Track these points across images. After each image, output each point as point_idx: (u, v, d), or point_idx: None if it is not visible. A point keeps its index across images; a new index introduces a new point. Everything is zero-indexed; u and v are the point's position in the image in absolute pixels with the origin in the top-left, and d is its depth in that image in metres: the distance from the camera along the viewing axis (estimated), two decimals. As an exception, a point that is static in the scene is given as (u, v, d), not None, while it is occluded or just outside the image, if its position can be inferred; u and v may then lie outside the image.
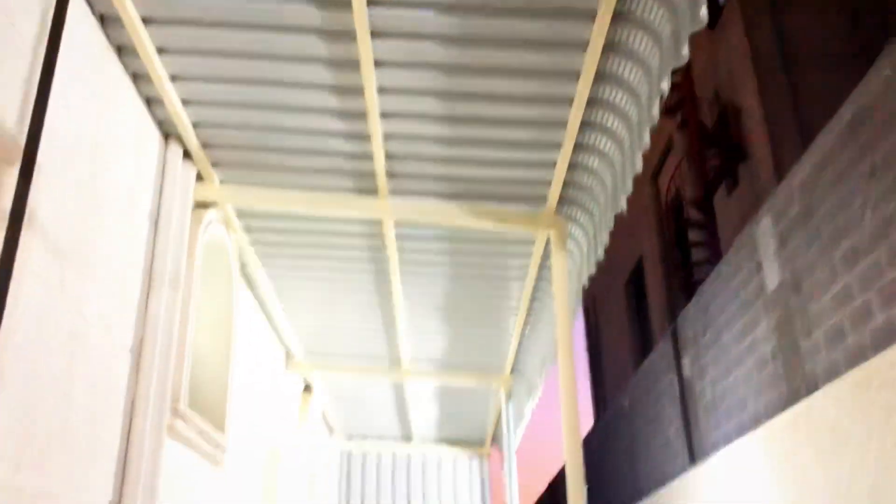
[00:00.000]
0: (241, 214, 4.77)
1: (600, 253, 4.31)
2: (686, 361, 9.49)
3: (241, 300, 5.48)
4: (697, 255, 13.42)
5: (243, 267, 5.41)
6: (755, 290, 7.41)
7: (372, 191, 4.39)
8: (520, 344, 6.66)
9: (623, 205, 3.78)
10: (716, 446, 8.54)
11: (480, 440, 10.23)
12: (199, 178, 4.31)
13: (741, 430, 7.70)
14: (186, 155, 4.09)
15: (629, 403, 12.31)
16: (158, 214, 3.85)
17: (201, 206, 4.40)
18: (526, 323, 6.23)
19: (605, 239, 4.16)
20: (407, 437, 10.12)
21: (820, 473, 5.75)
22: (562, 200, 4.42)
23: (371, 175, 4.24)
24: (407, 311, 6.02)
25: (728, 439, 8.07)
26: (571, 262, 4.90)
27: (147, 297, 3.68)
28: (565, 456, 3.89)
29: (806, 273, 6.36)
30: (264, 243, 5.09)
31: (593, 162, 3.99)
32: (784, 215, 6.78)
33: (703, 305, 8.82)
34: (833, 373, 5.89)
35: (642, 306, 17.03)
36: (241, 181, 4.40)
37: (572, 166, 4.09)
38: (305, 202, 4.36)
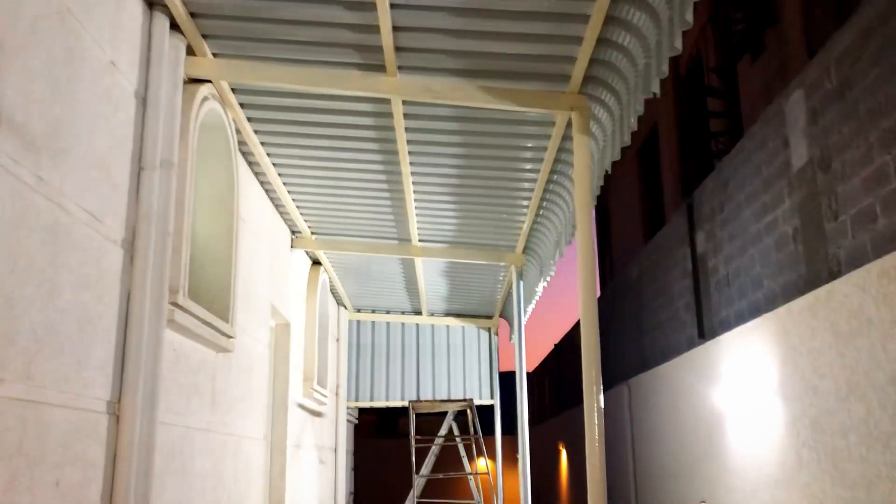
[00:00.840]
0: (238, 90, 4.44)
1: (627, 138, 3.99)
2: (700, 236, 9.29)
3: (243, 180, 5.22)
4: (716, 125, 12.92)
5: (242, 146, 5.11)
6: (780, 166, 7.09)
7: (378, 66, 4.03)
8: (533, 224, 6.43)
9: (656, 88, 3.43)
10: (727, 323, 8.47)
11: (488, 314, 10.21)
12: (190, 51, 3.94)
13: (755, 310, 7.59)
14: (174, 27, 3.71)
15: (638, 274, 12.24)
16: (146, 92, 3.53)
17: (194, 82, 4.06)
18: (540, 205, 5.97)
19: (632, 123, 3.82)
20: (416, 311, 10.10)
21: (836, 358, 5.64)
22: (586, 80, 4.05)
23: (377, 49, 3.87)
24: (416, 191, 5.76)
25: (741, 317, 7.98)
26: (594, 144, 4.58)
27: (138, 184, 3.43)
28: (582, 331, 3.73)
29: (837, 151, 6.01)
30: (264, 120, 4.78)
31: (624, 38, 3.60)
32: (817, 88, 6.35)
33: (722, 180, 8.52)
34: (859, 258, 5.67)
35: (654, 176, 16.69)
36: (236, 54, 4.04)
37: (601, 42, 3.70)
38: (307, 78, 4.01)
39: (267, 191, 5.97)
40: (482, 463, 21.24)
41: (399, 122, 4.55)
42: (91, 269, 2.97)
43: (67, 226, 2.79)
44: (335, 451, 9.52)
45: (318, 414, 8.28)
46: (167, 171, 3.56)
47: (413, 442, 8.26)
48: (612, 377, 13.53)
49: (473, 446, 8.56)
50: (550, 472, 21.36)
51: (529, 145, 4.92)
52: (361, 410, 17.39)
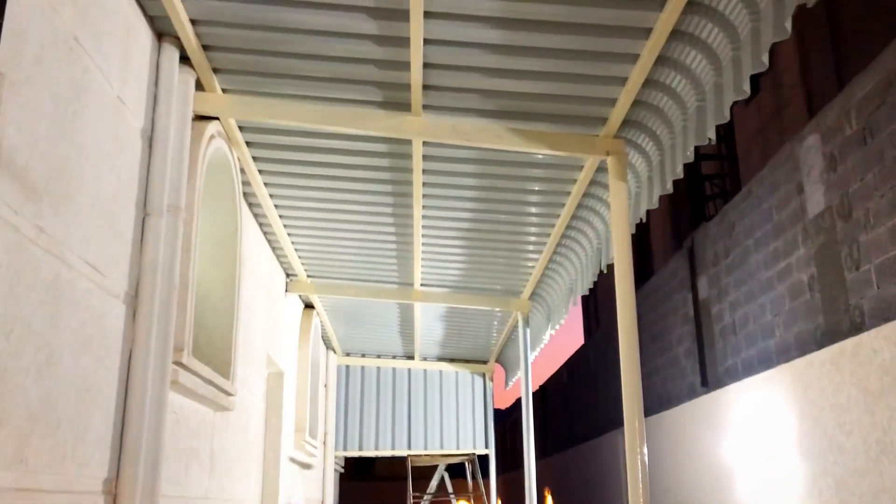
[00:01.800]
0: (246, 128, 4.12)
1: (669, 185, 3.72)
2: (703, 281, 9.07)
3: (245, 224, 4.89)
4: (709, 167, 12.78)
5: (245, 186, 4.79)
6: (794, 213, 6.90)
7: (403, 106, 3.74)
8: (545, 270, 6.14)
9: (712, 133, 3.17)
10: (733, 372, 8.22)
11: (483, 358, 9.88)
12: (199, 86, 3.63)
13: (766, 359, 7.34)
14: (184, 59, 3.40)
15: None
16: (153, 131, 3.21)
17: (200, 119, 3.74)
18: (555, 251, 5.69)
19: (678, 170, 3.56)
20: (408, 356, 9.74)
21: (865, 416, 5.38)
22: (625, 123, 3.80)
23: (404, 87, 3.59)
24: (426, 234, 5.46)
25: (749, 367, 7.73)
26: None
27: (143, 231, 3.09)
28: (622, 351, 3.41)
29: (860, 199, 5.82)
30: (270, 160, 4.46)
31: (674, 79, 3.36)
32: (836, 133, 6.18)
33: (727, 225, 8.33)
34: (885, 310, 5.45)
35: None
36: (247, 90, 3.73)
37: (648, 83, 3.45)
38: (323, 117, 3.72)
39: (265, 233, 5.63)
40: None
41: (417, 164, 4.26)
42: (92, 330, 2.62)
43: (69, 281, 2.45)
44: (322, 503, 9.06)
45: (307, 466, 7.86)
46: (174, 217, 3.22)
47: (411, 499, 7.83)
48: (605, 423, 13.20)
49: (472, 499, 8.15)
50: (533, 518, 20.87)
51: (551, 189, 4.65)
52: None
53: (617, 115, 3.64)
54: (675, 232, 15.11)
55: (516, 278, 6.38)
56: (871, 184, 5.65)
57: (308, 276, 6.62)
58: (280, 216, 5.26)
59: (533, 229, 5.32)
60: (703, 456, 8.43)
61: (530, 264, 6.03)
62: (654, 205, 3.93)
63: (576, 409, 15.87)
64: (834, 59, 10.17)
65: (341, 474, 26.34)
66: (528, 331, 6.67)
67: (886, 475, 5.14)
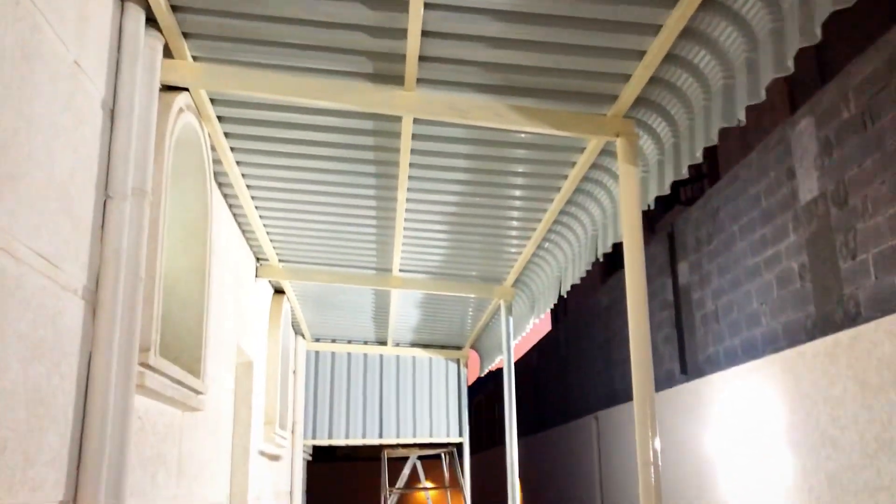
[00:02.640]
0: (218, 101, 3.74)
1: (683, 170, 3.44)
2: (683, 267, 8.88)
3: (216, 206, 4.51)
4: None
5: (215, 165, 4.41)
6: (784, 199, 6.69)
7: (396, 79, 3.39)
8: (532, 257, 5.85)
9: (741, 115, 2.89)
10: (715, 361, 8.05)
11: (458, 344, 9.60)
12: (167, 52, 3.25)
13: (751, 348, 7.17)
14: (151, 22, 3.02)
15: (607, 303, 11.80)
16: (115, 102, 2.83)
17: (168, 90, 3.36)
18: (545, 238, 5.40)
19: (696, 153, 3.28)
20: (381, 341, 9.41)
21: (862, 411, 5.20)
22: (637, 102, 3.50)
23: (398, 58, 3.24)
24: (409, 218, 5.12)
25: (732, 355, 7.55)
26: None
27: (104, 217, 2.71)
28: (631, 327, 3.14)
29: (858, 186, 5.62)
30: (243, 136, 4.09)
31: (698, 55, 3.06)
32: (832, 117, 5.97)
33: (710, 210, 8.12)
34: (883, 301, 5.26)
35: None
36: (220, 58, 3.36)
37: (669, 58, 3.15)
38: (306, 89, 3.35)
39: (235, 215, 5.25)
40: None
41: (406, 143, 3.92)
42: (45, 332, 2.25)
43: (17, 277, 2.08)
44: (290, 495, 8.74)
45: (276, 458, 7.52)
46: (139, 201, 2.85)
47: (386, 492, 7.55)
48: (577, 409, 13.03)
49: (448, 493, 7.89)
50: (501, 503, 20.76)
51: (547, 172, 4.35)
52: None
53: (629, 92, 3.33)
54: (646, 216, 14.97)
55: (500, 265, 6.08)
56: (870, 170, 5.45)
57: (280, 261, 6.25)
58: (252, 197, 4.88)
59: (522, 214, 5.02)
60: (684, 446, 8.27)
61: (515, 251, 5.73)
62: (665, 191, 3.64)
63: (544, 394, 15.71)
64: (815, 45, 10.03)
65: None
66: (511, 319, 6.39)
67: (885, 472, 4.97)
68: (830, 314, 5.90)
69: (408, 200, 4.78)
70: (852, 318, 5.60)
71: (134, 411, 2.92)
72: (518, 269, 5.99)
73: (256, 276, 6.27)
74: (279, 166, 4.42)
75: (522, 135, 3.92)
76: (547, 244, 5.47)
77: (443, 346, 9.65)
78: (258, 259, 6.25)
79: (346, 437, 9.19)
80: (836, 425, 5.51)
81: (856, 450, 5.28)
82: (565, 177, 4.37)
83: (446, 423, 9.44)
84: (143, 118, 2.95)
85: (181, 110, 3.43)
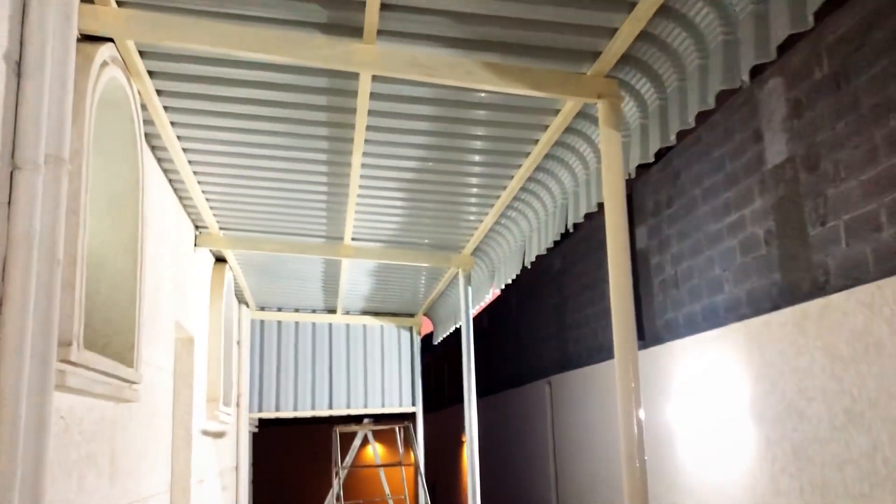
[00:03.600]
0: (148, 54, 3.30)
1: (672, 136, 3.14)
2: (642, 231, 8.68)
3: (148, 172, 4.06)
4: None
5: (147, 126, 3.95)
6: (750, 162, 6.49)
7: (353, 30, 2.99)
8: (494, 226, 5.53)
9: (745, 75, 2.58)
10: (674, 327, 7.91)
11: (411, 311, 9.28)
12: (86, -5, 2.79)
13: (712, 315, 7.02)
14: (64, -44, 2.56)
15: (561, 266, 11.61)
16: (22, 53, 2.38)
17: (89, 40, 2.91)
18: (510, 206, 5.08)
19: (688, 118, 2.97)
20: (329, 309, 9.04)
21: (831, 382, 5.07)
22: (622, 60, 3.16)
23: (355, 5, 2.84)
24: (363, 185, 4.75)
25: (692, 322, 7.41)
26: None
27: (10, 192, 2.29)
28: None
29: (829, 150, 5.43)
30: (177, 94, 3.65)
31: (698, 8, 2.73)
32: (803, 77, 5.74)
33: (670, 173, 7.91)
34: (855, 269, 5.12)
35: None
36: (150, 3, 2.91)
37: (663, 11, 2.82)
38: (251, 42, 2.94)
39: (171, 180, 4.79)
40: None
41: (363, 104, 3.53)
42: (-66, 336, 1.85)
43: None
44: (237, 470, 8.39)
45: (221, 435, 7.15)
46: (55, 171, 2.42)
47: (339, 470, 7.25)
48: (529, 373, 12.90)
49: (402, 469, 7.64)
50: (449, 466, 20.75)
51: (515, 136, 4.01)
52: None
53: (615, 49, 3.00)
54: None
55: (458, 233, 5.75)
56: (842, 133, 5.25)
57: (221, 229, 5.81)
58: (190, 162, 4.43)
59: (485, 181, 4.68)
60: (645, 413, 8.15)
61: (474, 218, 5.40)
62: (649, 159, 3.34)
63: (495, 357, 15.58)
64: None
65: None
66: (470, 289, 6.09)
67: (853, 445, 4.86)
68: (798, 282, 5.75)
69: (363, 165, 4.40)
70: (821, 287, 5.45)
71: (53, 415, 2.53)
72: (478, 237, 5.68)
73: (196, 246, 5.82)
74: (219, 127, 3.99)
75: (491, 95, 3.57)
76: (511, 212, 5.16)
77: (395, 314, 9.33)
78: (197, 227, 5.80)
79: (295, 409, 8.85)
80: (802, 397, 5.38)
81: (823, 422, 5.16)
82: (535, 141, 4.04)
83: (399, 393, 9.17)
84: (58, 73, 2.51)
85: (105, 64, 2.98)
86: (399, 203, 5.09)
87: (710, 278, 7.03)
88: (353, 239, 5.88)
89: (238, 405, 8.46)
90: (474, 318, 17.75)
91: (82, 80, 2.75)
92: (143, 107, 3.67)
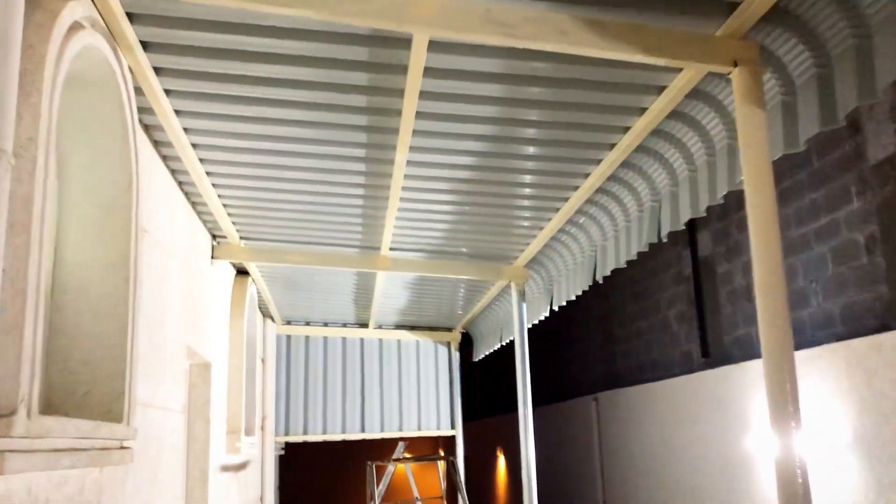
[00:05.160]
0: (139, 18, 2.56)
1: (840, 116, 2.33)
2: (705, 236, 7.85)
3: (145, 168, 3.32)
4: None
5: (145, 114, 3.21)
6: (845, 157, 5.65)
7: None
8: (557, 234, 4.74)
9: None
10: (746, 343, 7.05)
11: (448, 325, 8.50)
12: (44, -74, 2.05)
13: (797, 332, 6.19)
14: None
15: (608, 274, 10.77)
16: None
17: (54, -9, 2.17)
18: (580, 210, 4.29)
19: (876, 88, 2.17)
20: (361, 324, 8.28)
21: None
22: (770, 14, 2.36)
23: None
24: (407, 187, 3.99)
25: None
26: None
27: (-86, 196, 1.55)
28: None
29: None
30: (182, 73, 2.91)
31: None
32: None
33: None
34: None
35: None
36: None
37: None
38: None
39: (180, 182, 4.06)
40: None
41: (414, 82, 2.76)
42: None
43: None
44: (261, 500, 7.66)
45: (242, 467, 6.42)
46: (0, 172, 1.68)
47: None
48: (573, 388, 12.06)
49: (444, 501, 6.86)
50: (481, 480, 19.93)
51: (597, 123, 3.23)
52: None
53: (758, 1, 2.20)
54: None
55: (510, 242, 4.96)
56: (974, 121, 4.40)
57: (241, 239, 5.08)
58: (201, 160, 3.70)
59: (550, 180, 3.89)
60: (710, 439, 7.30)
61: (528, 224, 4.59)
62: (799, 147, 2.54)
63: (534, 370, 14.75)
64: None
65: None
66: (525, 305, 5.29)
67: None
68: (911, 297, 4.89)
69: (409, 163, 3.63)
70: (945, 303, 4.60)
71: (-12, 520, 1.80)
72: (536, 246, 4.88)
73: (213, 258, 5.09)
74: (235, 117, 3.25)
75: (574, 68, 2.78)
76: (581, 218, 4.37)
77: (431, 328, 8.55)
78: (214, 237, 5.07)
79: (324, 432, 8.10)
80: (928, 435, 4.53)
81: (958, 466, 4.31)
82: (625, 130, 3.24)
83: (436, 414, 8.39)
84: (2, 36, 1.77)
85: (78, 27, 2.24)
86: (447, 207, 4.32)
87: (792, 290, 6.17)
88: (391, 249, 5.12)
89: (263, 428, 7.74)
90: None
91: (40, 44, 2.01)
92: (139, 90, 2.93)
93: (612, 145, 3.41)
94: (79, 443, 2.25)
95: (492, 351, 8.09)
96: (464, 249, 5.12)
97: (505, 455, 16.98)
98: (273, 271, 6.02)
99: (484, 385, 19.68)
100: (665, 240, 3.77)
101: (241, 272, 6.09)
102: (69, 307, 2.63)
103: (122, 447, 2.69)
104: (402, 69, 2.77)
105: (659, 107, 2.94)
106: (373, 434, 8.12)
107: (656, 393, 8.61)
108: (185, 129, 3.35)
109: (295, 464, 21.18)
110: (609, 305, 10.52)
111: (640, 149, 3.44)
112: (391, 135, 3.34)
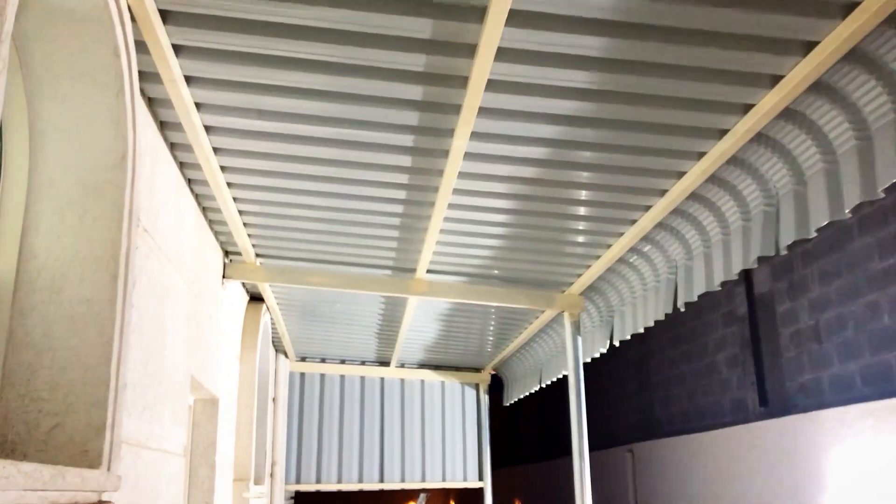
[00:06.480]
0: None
1: None
2: (762, 271, 7.19)
3: (145, 147, 2.70)
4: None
5: (149, 83, 2.61)
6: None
7: None
8: (625, 256, 4.10)
9: None
10: (814, 391, 6.30)
11: (476, 365, 7.80)
12: None
13: (878, 377, 5.47)
14: None
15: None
16: None
17: None
18: (662, 225, 3.66)
19: None
20: (382, 362, 7.60)
21: None
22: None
23: None
24: (455, 204, 3.40)
25: (847, 386, 5.82)
26: None
27: None
28: None
29: None
30: (193, 18, 2.31)
31: None
32: None
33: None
34: None
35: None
36: None
37: None
38: None
39: (190, 181, 3.45)
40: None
41: (478, 82, 2.19)
42: None
43: None
44: (269, 556, 6.89)
45: (250, 519, 5.69)
46: None
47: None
48: (602, 438, 11.26)
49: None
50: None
51: (688, 124, 2.69)
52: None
53: None
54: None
55: (563, 265, 4.32)
56: None
57: (258, 257, 4.45)
58: (216, 150, 3.09)
59: (619, 197, 3.28)
60: (773, 496, 6.52)
61: (583, 249, 3.96)
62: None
63: (557, 417, 13.94)
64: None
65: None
66: (581, 339, 4.61)
67: None
68: None
69: (461, 176, 3.05)
70: None
71: None
72: (597, 270, 4.23)
73: (225, 278, 4.46)
74: (261, 112, 2.67)
75: (675, 48, 2.21)
76: (660, 233, 3.72)
77: (457, 368, 7.85)
78: (227, 253, 4.45)
79: (339, 480, 7.36)
80: None
81: None
82: (721, 133, 2.65)
83: (462, 464, 7.64)
84: None
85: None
86: (496, 228, 3.72)
87: (874, 331, 5.48)
88: (429, 271, 4.48)
89: (272, 476, 7.01)
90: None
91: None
92: (142, 45, 2.33)
93: (700, 154, 2.83)
94: (29, 497, 1.59)
95: (524, 395, 7.38)
96: (511, 275, 4.47)
97: (524, 508, 16.06)
98: (289, 298, 5.37)
99: (500, 433, 18.81)
100: (755, 265, 3.14)
101: (255, 298, 5.46)
102: (37, 312, 2.00)
103: (101, 502, 2.02)
104: (465, 49, 2.18)
105: (768, 103, 2.35)
106: (392, 484, 7.38)
107: (703, 444, 7.84)
108: (198, 106, 2.74)
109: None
110: (648, 349, 9.79)
111: (734, 160, 2.88)
112: (444, 138, 2.78)
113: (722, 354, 7.80)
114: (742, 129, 2.63)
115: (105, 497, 2.08)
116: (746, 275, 7.33)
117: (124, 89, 2.08)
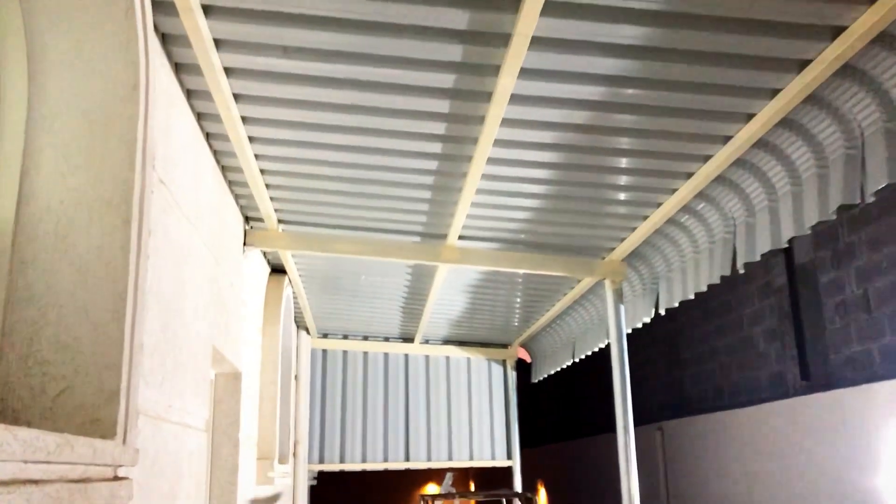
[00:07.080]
0: None
1: None
2: (802, 239, 6.88)
3: (161, 97, 2.44)
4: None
5: (162, 12, 2.34)
6: None
7: None
8: (670, 221, 3.83)
9: None
10: (861, 363, 6.02)
11: (504, 341, 7.54)
12: None
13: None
14: None
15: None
16: None
17: None
18: (701, 195, 3.39)
19: None
20: (406, 338, 7.36)
21: None
22: None
23: None
24: (492, 164, 3.14)
25: (892, 355, 5.53)
26: None
27: None
28: None
29: None
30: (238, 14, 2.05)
31: None
32: None
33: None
34: None
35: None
36: None
37: None
38: None
39: (209, 135, 3.19)
40: None
41: (520, 45, 1.91)
42: None
43: None
44: (293, 538, 6.70)
45: (273, 500, 5.48)
46: None
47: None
48: (633, 415, 10.97)
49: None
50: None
51: (741, 83, 2.41)
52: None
53: None
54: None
55: (604, 231, 4.04)
56: None
57: (280, 223, 4.20)
58: (236, 97, 2.83)
59: (670, 150, 2.99)
60: (820, 474, 6.24)
61: (626, 209, 3.68)
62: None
63: (585, 396, 13.69)
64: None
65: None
66: (623, 307, 4.34)
67: None
68: None
69: (496, 143, 2.81)
70: None
71: None
72: (643, 233, 3.94)
73: (246, 245, 4.22)
74: (289, 77, 2.42)
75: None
76: (702, 204, 3.44)
77: (484, 344, 7.60)
78: (248, 220, 4.20)
79: (363, 460, 7.15)
80: None
81: None
82: (774, 92, 2.38)
83: (490, 442, 7.41)
84: None
85: None
86: (538, 182, 3.43)
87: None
88: (461, 238, 4.21)
89: (295, 455, 6.81)
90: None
91: None
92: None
93: (750, 115, 2.56)
94: (31, 470, 1.34)
95: (554, 371, 7.12)
96: (548, 240, 4.20)
97: (548, 490, 15.85)
98: (312, 269, 5.13)
99: (520, 412, 18.59)
100: (834, 217, 2.85)
101: (276, 270, 5.22)
102: (39, 262, 1.75)
103: (117, 477, 1.78)
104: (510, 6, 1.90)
105: (830, 54, 2.06)
106: (419, 463, 7.16)
107: (739, 420, 7.56)
108: (218, 43, 2.47)
109: (326, 496, 20.01)
110: (677, 324, 9.50)
111: (800, 110, 2.60)
112: (480, 102, 2.53)
113: (758, 328, 7.50)
114: (831, 55, 2.33)
115: (122, 473, 1.84)
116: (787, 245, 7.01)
117: (134, 6, 1.82)
